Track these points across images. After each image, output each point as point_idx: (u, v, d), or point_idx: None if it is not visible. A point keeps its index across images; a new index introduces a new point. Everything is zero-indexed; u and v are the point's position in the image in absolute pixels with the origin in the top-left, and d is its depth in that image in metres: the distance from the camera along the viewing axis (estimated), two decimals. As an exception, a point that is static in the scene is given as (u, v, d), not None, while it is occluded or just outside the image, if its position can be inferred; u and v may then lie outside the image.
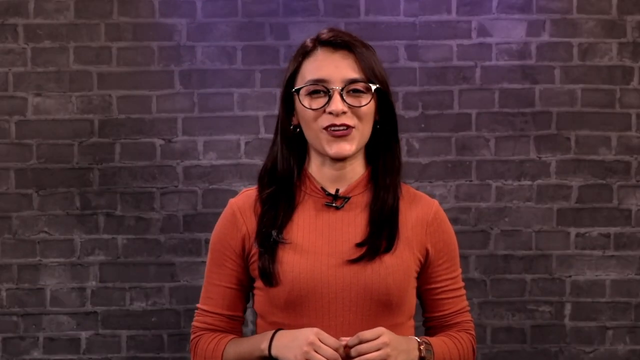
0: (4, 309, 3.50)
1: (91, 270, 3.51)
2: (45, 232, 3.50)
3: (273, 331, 1.78)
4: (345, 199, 1.84)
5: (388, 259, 1.78)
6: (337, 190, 1.84)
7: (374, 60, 1.82)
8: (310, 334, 1.71)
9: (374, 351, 1.69)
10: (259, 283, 1.83)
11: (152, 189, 3.50)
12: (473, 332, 1.94)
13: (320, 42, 1.82)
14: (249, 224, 1.85)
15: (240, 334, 1.91)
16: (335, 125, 1.77)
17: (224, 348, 1.84)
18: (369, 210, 1.83)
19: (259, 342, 1.79)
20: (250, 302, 1.92)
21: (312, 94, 1.80)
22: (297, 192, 1.85)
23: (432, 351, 1.81)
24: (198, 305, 1.92)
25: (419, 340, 1.80)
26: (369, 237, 1.79)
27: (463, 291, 1.94)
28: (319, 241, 1.80)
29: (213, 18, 3.48)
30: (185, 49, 3.48)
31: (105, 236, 3.51)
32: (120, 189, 3.50)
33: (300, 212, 1.84)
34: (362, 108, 1.79)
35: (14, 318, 3.51)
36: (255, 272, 1.83)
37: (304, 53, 1.83)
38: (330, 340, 1.70)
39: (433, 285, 1.89)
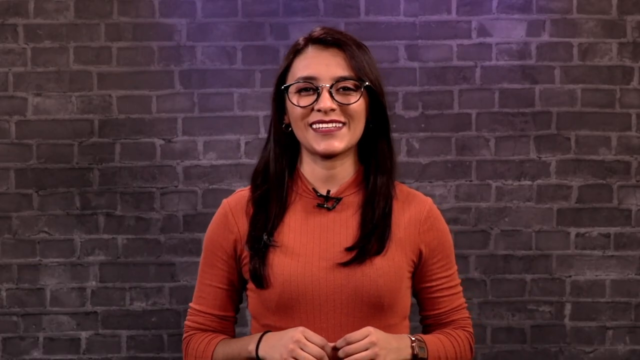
0: (4, 309, 3.50)
1: (91, 270, 3.51)
2: (45, 232, 3.50)
3: (261, 333, 1.79)
4: (337, 200, 1.84)
5: (379, 262, 1.78)
6: (328, 192, 1.84)
7: (366, 58, 1.81)
8: (296, 332, 1.71)
9: (361, 351, 1.69)
10: (251, 285, 1.83)
11: (152, 189, 3.50)
12: (470, 329, 1.93)
13: (311, 40, 1.82)
14: (241, 225, 1.85)
15: (233, 334, 1.92)
16: (323, 121, 1.77)
17: (214, 349, 1.85)
18: (361, 212, 1.82)
19: (247, 344, 1.79)
20: (245, 303, 1.92)
21: (302, 91, 1.80)
22: (289, 193, 1.85)
23: (426, 349, 1.80)
24: (191, 304, 1.92)
25: (411, 338, 1.79)
26: (359, 240, 1.78)
27: (459, 288, 1.93)
28: (310, 243, 1.80)
29: (213, 18, 3.48)
30: (185, 49, 3.48)
31: (105, 236, 3.51)
32: (120, 189, 3.50)
33: (292, 214, 1.83)
34: (352, 106, 1.78)
35: (14, 318, 3.51)
36: (247, 274, 1.83)
37: (295, 51, 1.83)
38: (316, 338, 1.71)
39: (428, 284, 1.89)
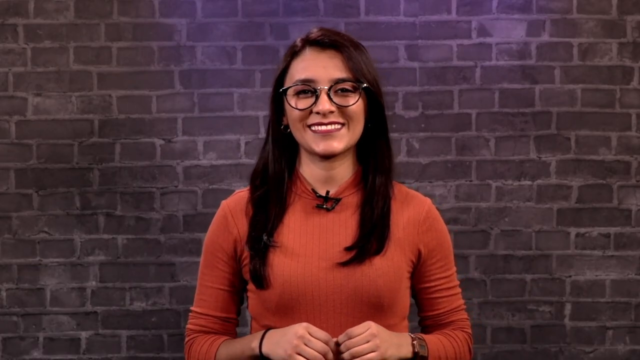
0: (4, 309, 3.50)
1: (91, 270, 3.51)
2: (45, 232, 3.50)
3: (264, 330, 1.79)
4: (336, 200, 1.84)
5: (378, 261, 1.78)
6: (327, 192, 1.84)
7: (363, 59, 1.81)
8: (299, 328, 1.71)
9: (363, 344, 1.70)
10: (251, 286, 1.83)
11: (152, 189, 3.50)
12: (469, 330, 1.94)
13: (308, 42, 1.82)
14: (241, 226, 1.85)
15: (234, 336, 1.91)
16: (322, 123, 1.77)
17: (217, 350, 1.85)
18: (360, 212, 1.83)
19: (250, 341, 1.79)
20: (245, 304, 1.92)
21: (300, 94, 1.80)
22: (288, 194, 1.85)
23: (427, 347, 1.81)
24: (192, 307, 1.92)
25: (412, 336, 1.80)
26: (358, 240, 1.79)
27: (458, 290, 1.93)
28: (309, 244, 1.80)
29: (213, 18, 3.48)
30: (185, 49, 3.48)
31: (105, 236, 3.51)
32: (120, 189, 3.50)
33: (291, 214, 1.84)
34: (351, 107, 1.79)
35: (14, 318, 3.51)
36: (247, 275, 1.83)
37: (293, 53, 1.83)
38: (320, 333, 1.71)
39: (427, 284, 1.89)
